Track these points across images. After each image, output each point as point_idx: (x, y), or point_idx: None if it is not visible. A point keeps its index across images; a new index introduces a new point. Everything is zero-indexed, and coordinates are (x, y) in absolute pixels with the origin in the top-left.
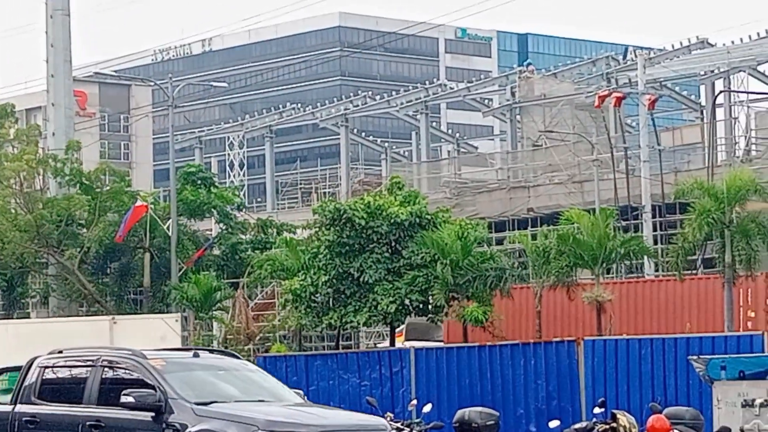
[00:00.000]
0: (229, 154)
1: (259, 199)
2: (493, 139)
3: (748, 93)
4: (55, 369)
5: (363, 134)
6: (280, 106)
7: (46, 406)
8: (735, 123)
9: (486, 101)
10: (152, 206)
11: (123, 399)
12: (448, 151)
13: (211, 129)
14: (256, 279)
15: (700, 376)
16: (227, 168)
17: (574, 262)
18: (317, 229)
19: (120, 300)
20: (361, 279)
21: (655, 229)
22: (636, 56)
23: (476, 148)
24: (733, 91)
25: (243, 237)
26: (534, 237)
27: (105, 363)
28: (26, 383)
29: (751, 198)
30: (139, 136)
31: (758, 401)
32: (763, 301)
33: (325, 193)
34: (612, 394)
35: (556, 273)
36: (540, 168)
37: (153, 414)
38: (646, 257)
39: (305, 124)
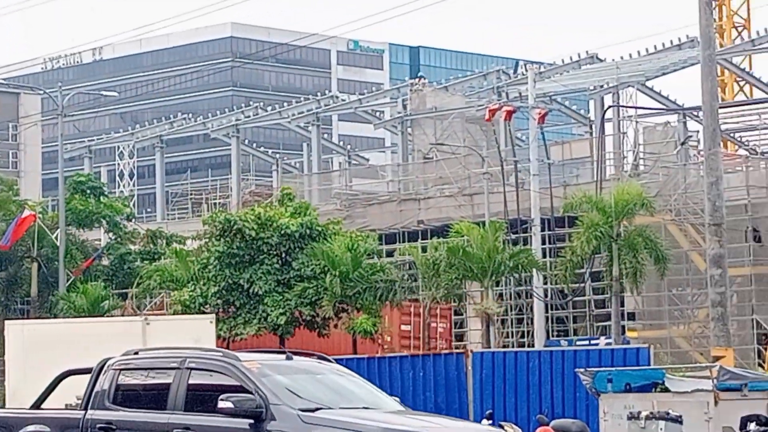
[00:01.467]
0: (119, 164)
1: (149, 210)
2: (384, 152)
3: (636, 108)
4: (131, 372)
5: (254, 145)
6: (171, 116)
7: (124, 412)
8: (623, 138)
9: (377, 113)
10: (40, 215)
11: (221, 404)
12: (340, 163)
13: (101, 138)
14: (145, 289)
15: (587, 389)
16: (117, 178)
17: (464, 275)
18: (207, 239)
19: (6, 310)
20: (250, 290)
21: (544, 243)
22: (526, 70)
23: (367, 160)
24: (622, 106)
25: (132, 247)
26: (424, 249)
27: (192, 365)
28: (98, 388)
29: (639, 212)
30: (28, 144)
31: (644, 414)
32: (397, 326)
33: (215, 203)
34: (500, 405)
35: (446, 285)
36: (430, 180)
37: (251, 421)
38: (534, 270)
39: (196, 135)
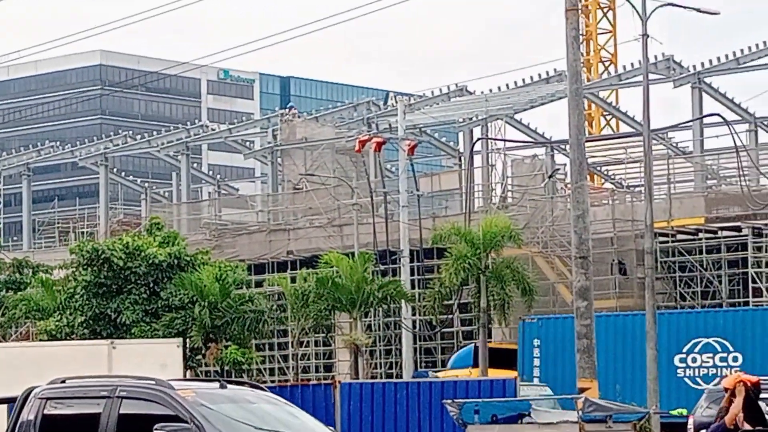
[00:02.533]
0: None
1: (15, 238)
2: (254, 182)
3: (504, 141)
4: (59, 401)
5: (123, 174)
6: (39, 143)
7: None
8: (492, 170)
9: (247, 143)
10: None
11: None
12: (209, 193)
13: None
14: (10, 319)
15: (454, 420)
16: None
17: (333, 305)
18: (74, 269)
19: None
20: (118, 320)
21: (413, 274)
22: (396, 102)
23: (237, 189)
24: (491, 139)
25: None
26: (293, 280)
27: (123, 394)
28: (23, 419)
29: (506, 244)
30: None
31: None
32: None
33: (83, 232)
34: None
35: (315, 316)
36: (300, 211)
37: None
38: (403, 301)
39: (64, 163)
